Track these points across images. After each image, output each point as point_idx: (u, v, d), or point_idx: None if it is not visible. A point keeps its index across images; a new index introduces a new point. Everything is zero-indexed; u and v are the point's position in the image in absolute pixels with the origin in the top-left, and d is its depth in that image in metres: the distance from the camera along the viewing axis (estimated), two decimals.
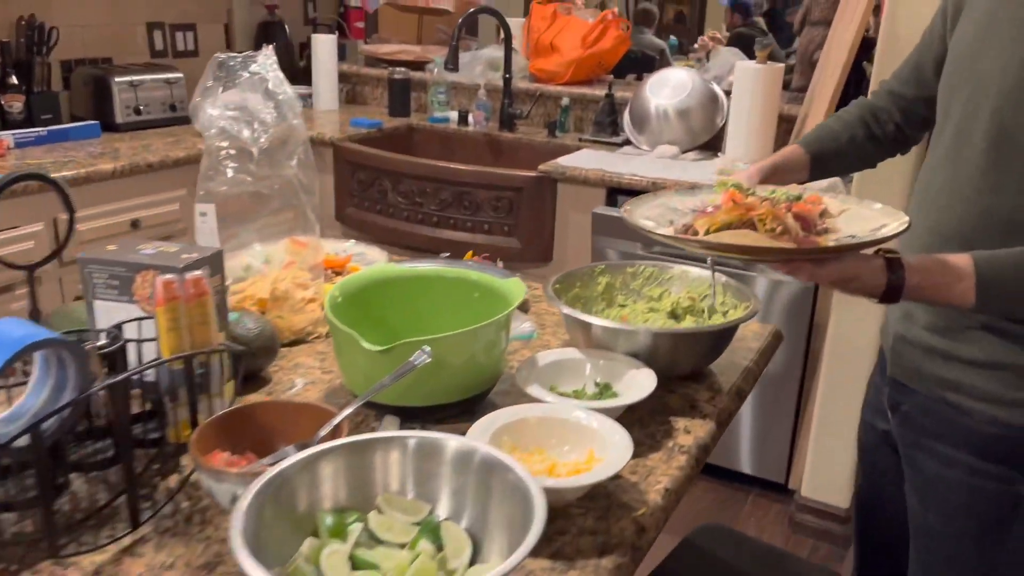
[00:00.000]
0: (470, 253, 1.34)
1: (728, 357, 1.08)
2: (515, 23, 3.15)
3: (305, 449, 0.68)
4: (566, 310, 1.01)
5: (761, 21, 6.70)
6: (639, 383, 0.92)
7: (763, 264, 1.08)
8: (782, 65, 2.31)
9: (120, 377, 0.64)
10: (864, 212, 0.96)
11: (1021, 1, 0.91)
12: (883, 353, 1.13)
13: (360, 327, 0.96)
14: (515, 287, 0.95)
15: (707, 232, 0.87)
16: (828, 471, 2.17)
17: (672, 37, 7.38)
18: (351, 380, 0.89)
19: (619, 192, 2.29)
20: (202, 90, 1.07)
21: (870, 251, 0.88)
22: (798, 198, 0.94)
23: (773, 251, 0.84)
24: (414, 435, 0.66)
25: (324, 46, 3.02)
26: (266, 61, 1.10)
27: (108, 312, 0.86)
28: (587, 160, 2.42)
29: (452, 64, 2.65)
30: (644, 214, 0.99)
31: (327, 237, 1.54)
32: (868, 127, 1.19)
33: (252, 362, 0.96)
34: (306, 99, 3.11)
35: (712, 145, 2.56)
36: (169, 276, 0.74)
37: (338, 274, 1.31)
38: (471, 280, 0.99)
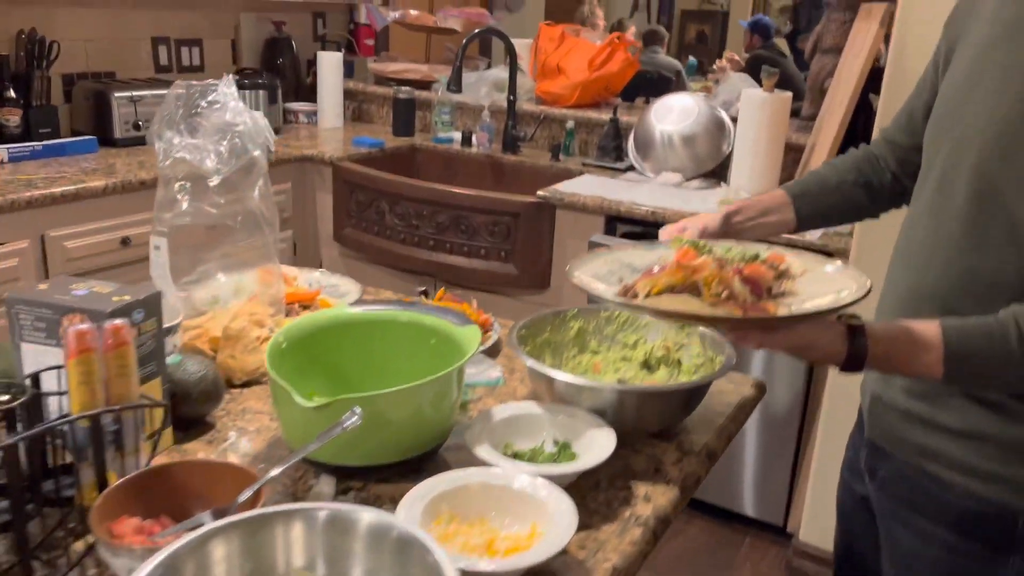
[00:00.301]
0: (441, 291, 1.29)
1: (704, 411, 1.02)
2: (524, 44, 3.12)
3: (221, 516, 0.63)
4: (529, 362, 0.95)
5: (782, 43, 6.64)
6: (599, 444, 0.86)
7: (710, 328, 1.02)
8: (789, 94, 2.25)
9: (9, 441, 0.60)
10: (829, 273, 0.90)
11: (1009, 45, 0.85)
12: (862, 412, 1.07)
13: (308, 374, 0.91)
14: (470, 336, 0.89)
15: (648, 294, 0.82)
16: (827, 517, 2.07)
17: (691, 58, 7.33)
18: (289, 434, 0.84)
19: (619, 220, 2.24)
20: (161, 118, 1.03)
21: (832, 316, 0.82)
22: (755, 257, 0.88)
23: (710, 320, 0.79)
24: (324, 507, 0.61)
25: (329, 63, 2.99)
26: (227, 90, 1.06)
27: (36, 356, 0.82)
28: (588, 186, 2.36)
29: (455, 85, 2.61)
30: (594, 270, 0.93)
31: (304, 266, 1.49)
32: (861, 173, 1.12)
33: (192, 409, 0.91)
34: (311, 116, 3.08)
35: (718, 173, 2.50)
36: (83, 327, 0.69)
37: (306, 308, 1.27)
38: (426, 326, 0.94)
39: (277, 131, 2.87)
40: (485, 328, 1.19)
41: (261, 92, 2.80)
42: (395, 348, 0.95)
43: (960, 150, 0.88)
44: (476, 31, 2.61)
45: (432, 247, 2.42)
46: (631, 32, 5.98)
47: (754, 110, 2.25)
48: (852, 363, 0.81)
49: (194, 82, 1.05)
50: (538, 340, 1.06)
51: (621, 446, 0.91)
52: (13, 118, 2.28)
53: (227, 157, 1.05)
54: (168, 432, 0.89)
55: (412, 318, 0.94)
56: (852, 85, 1.93)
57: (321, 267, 2.78)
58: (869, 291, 0.82)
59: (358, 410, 0.73)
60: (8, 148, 2.21)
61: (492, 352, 1.18)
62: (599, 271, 0.93)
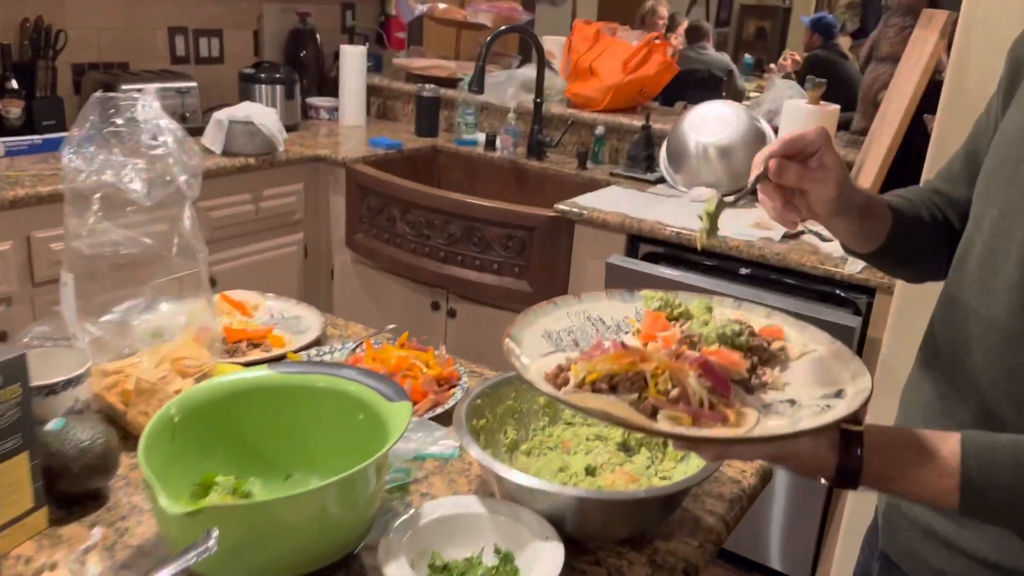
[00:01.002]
0: (405, 335, 1.14)
1: (691, 507, 0.85)
2: (558, 42, 2.94)
3: None
4: (475, 452, 0.79)
5: (846, 42, 6.31)
6: (546, 560, 0.71)
7: None
8: (836, 107, 2.04)
9: None
10: (828, 361, 0.72)
11: None
12: (877, 513, 0.89)
13: (211, 449, 0.77)
14: (399, 416, 0.74)
15: (582, 382, 0.65)
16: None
17: (747, 56, 7.04)
18: (166, 535, 0.70)
19: (641, 240, 2.06)
20: (75, 140, 0.90)
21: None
22: (738, 335, 0.71)
23: (644, 430, 0.62)
24: None
25: (352, 58, 2.86)
26: (147, 107, 0.92)
27: None
28: (611, 200, 2.19)
29: (477, 86, 2.45)
30: (549, 326, 0.77)
31: (270, 300, 1.36)
32: (938, 210, 0.90)
33: (73, 485, 0.78)
34: (332, 112, 2.96)
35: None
36: None
37: (256, 346, 1.13)
38: (350, 396, 0.79)
39: (295, 127, 2.76)
40: (450, 383, 1.03)
41: (278, 87, 2.68)
42: (317, 418, 0.80)
43: (1013, 217, 0.70)
44: (501, 29, 2.45)
45: (443, 259, 2.28)
46: (682, 28, 5.74)
47: (797, 124, 2.04)
48: (843, 479, 0.64)
49: (112, 94, 0.91)
50: (499, 409, 0.90)
51: (581, 553, 0.75)
52: (14, 110, 2.20)
53: (150, 180, 0.91)
54: (41, 513, 0.76)
55: (332, 384, 0.79)
56: (906, 100, 1.71)
57: (332, 275, 2.68)
58: (864, 403, 0.64)
59: (215, 534, 0.59)
60: (5, 142, 2.12)
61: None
62: (555, 328, 0.77)
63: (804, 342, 0.74)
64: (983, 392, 0.71)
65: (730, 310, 0.81)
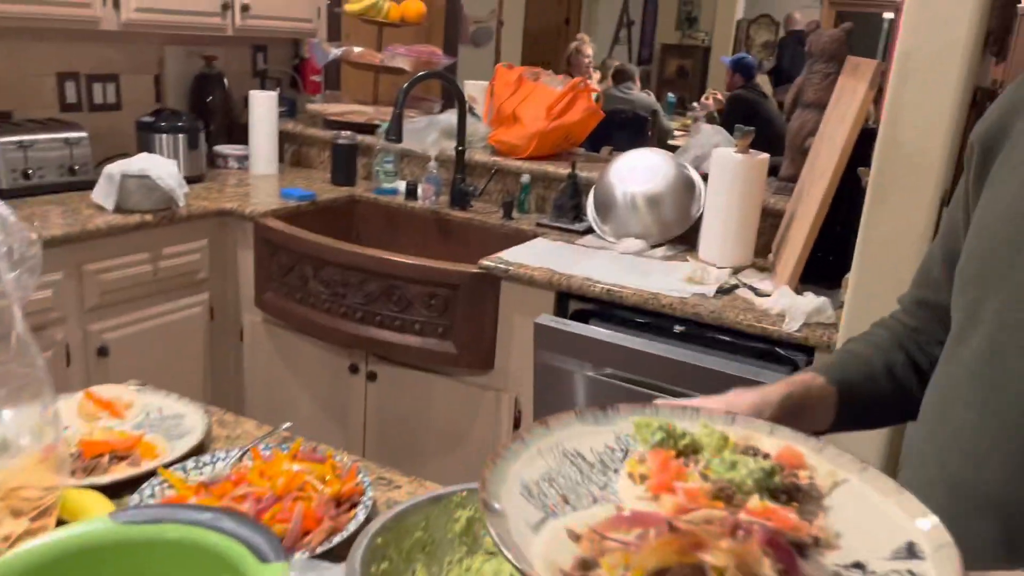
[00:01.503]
0: (299, 442, 0.99)
1: None
2: (479, 86, 2.85)
3: None
4: None
5: (765, 81, 6.44)
6: None
7: None
8: (765, 156, 1.98)
9: None
10: (871, 494, 0.60)
11: None
12: None
13: None
14: None
15: None
16: None
17: (670, 94, 7.13)
18: None
19: (570, 297, 1.95)
20: None
21: None
22: (770, 475, 0.58)
23: None
24: None
25: (262, 104, 2.71)
26: None
27: None
28: (538, 254, 2.08)
29: (395, 134, 2.32)
30: (524, 476, 0.62)
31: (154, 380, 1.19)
32: (908, 353, 0.84)
33: None
34: (242, 161, 2.79)
35: (687, 239, 2.22)
36: None
37: (123, 459, 0.96)
38: (212, 553, 0.63)
39: (200, 178, 2.58)
40: (352, 500, 0.89)
41: (180, 136, 2.50)
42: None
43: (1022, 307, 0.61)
44: (418, 75, 2.33)
45: (361, 319, 2.12)
46: (601, 73, 5.78)
47: (725, 173, 1.98)
48: None
49: None
50: (406, 545, 0.76)
51: None
52: None
53: None
54: None
55: (188, 538, 0.63)
56: (837, 151, 1.66)
57: (242, 336, 2.49)
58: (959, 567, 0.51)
59: None
60: None
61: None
62: (531, 476, 0.62)
63: (829, 468, 0.62)
64: (1002, 496, 0.61)
65: (722, 426, 0.68)
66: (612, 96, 5.19)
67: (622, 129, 4.97)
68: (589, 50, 5.92)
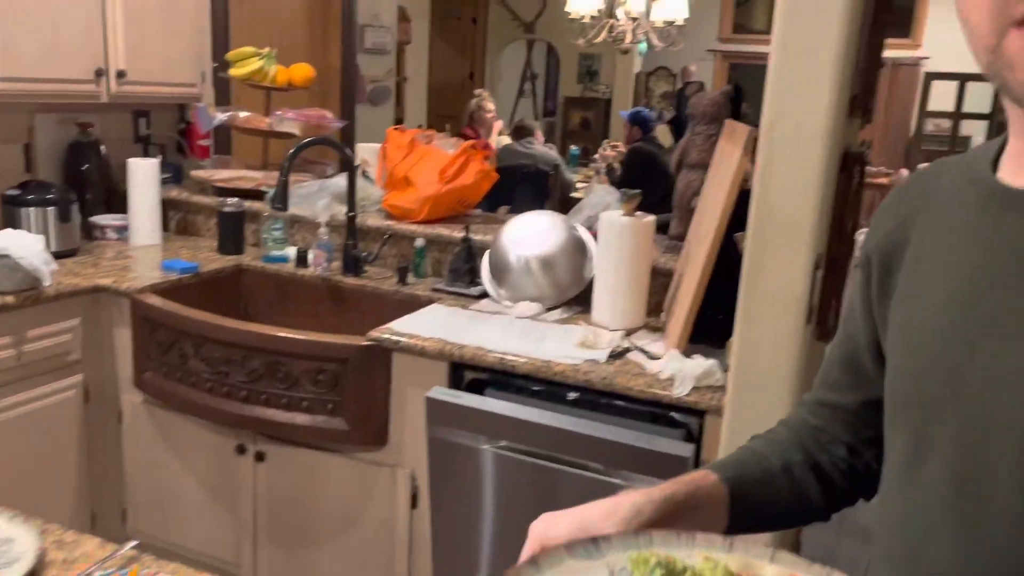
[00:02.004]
0: (135, 570, 0.90)
1: None
2: (372, 149, 2.81)
3: None
4: None
5: (666, 131, 6.63)
6: None
7: None
8: (652, 218, 2.00)
9: None
10: None
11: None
12: None
13: None
14: None
15: None
16: None
17: (573, 147, 7.27)
18: None
19: (463, 367, 1.90)
20: None
21: None
22: None
23: None
24: None
25: (143, 171, 2.59)
26: None
27: None
28: (432, 322, 2.03)
29: (280, 203, 2.25)
30: None
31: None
32: (809, 453, 0.82)
33: None
34: (122, 232, 2.65)
35: (582, 299, 2.21)
36: None
37: None
38: None
39: (73, 252, 2.44)
40: None
41: (50, 209, 2.36)
42: None
43: (988, 435, 0.59)
44: (304, 142, 2.27)
45: (245, 398, 2.02)
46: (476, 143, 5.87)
47: (613, 236, 1.98)
48: None
49: None
50: None
51: None
52: None
53: None
54: None
55: None
56: (717, 217, 1.68)
57: (121, 419, 2.33)
58: None
59: None
60: None
61: None
62: None
63: None
64: None
65: (721, 553, 0.64)
66: (514, 151, 5.24)
67: (525, 183, 5.01)
68: (490, 105, 6.01)
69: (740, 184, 1.71)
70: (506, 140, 6.27)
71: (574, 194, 5.21)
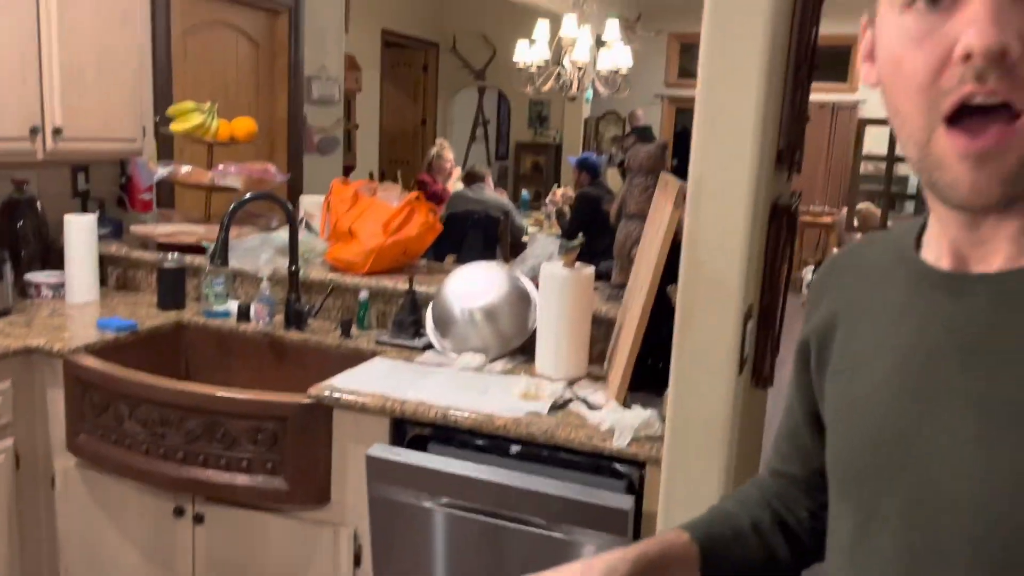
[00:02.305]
0: None
1: None
2: (316, 201, 2.81)
3: None
4: None
5: (615, 174, 6.74)
6: None
7: None
8: (591, 269, 2.02)
9: None
10: None
11: (973, 366, 0.60)
12: None
13: None
14: None
15: None
16: None
17: (524, 191, 7.35)
18: None
19: (406, 423, 1.88)
20: None
21: None
22: None
23: None
24: None
25: (80, 227, 2.55)
26: None
27: None
28: (374, 376, 2.01)
29: (220, 259, 2.24)
30: None
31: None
32: (776, 512, 0.85)
33: None
34: (58, 289, 2.60)
35: (527, 349, 2.21)
36: None
37: None
38: None
39: (6, 312, 2.38)
40: None
41: None
42: None
43: (936, 509, 0.60)
44: (245, 198, 2.27)
45: (183, 459, 1.97)
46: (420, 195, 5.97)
47: (554, 287, 2.00)
48: None
49: None
50: None
51: None
52: None
53: None
54: None
55: None
56: (651, 270, 1.71)
57: (54, 484, 2.26)
58: None
59: None
60: None
61: None
62: None
63: None
64: None
65: None
66: (465, 197, 5.28)
67: (475, 229, 5.05)
68: (449, 154, 6.13)
69: (673, 237, 1.74)
70: (458, 186, 6.34)
71: (525, 238, 5.26)
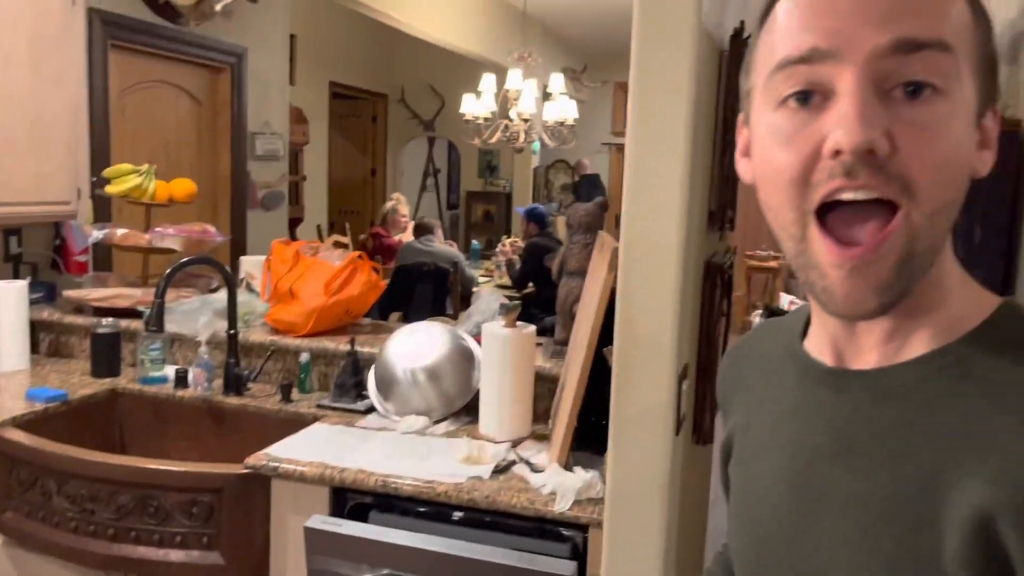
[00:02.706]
0: None
1: None
2: (257, 262, 2.78)
3: None
4: None
5: (559, 224, 6.81)
6: None
7: None
8: (532, 329, 2.03)
9: None
10: None
11: (854, 464, 0.61)
12: None
13: None
14: None
15: None
16: None
17: (475, 241, 7.38)
18: None
19: (346, 491, 1.85)
20: None
21: None
22: None
23: None
24: None
25: (9, 294, 2.48)
26: None
27: None
28: (314, 443, 1.97)
29: (156, 325, 2.19)
30: None
31: None
32: None
33: None
34: None
35: (471, 409, 2.20)
36: None
37: None
38: None
39: None
40: None
41: None
42: None
43: None
44: (181, 262, 2.23)
45: (113, 536, 1.90)
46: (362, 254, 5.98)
47: (495, 347, 2.00)
48: None
49: None
50: None
51: None
52: None
53: None
54: None
55: None
56: (589, 330, 1.72)
57: None
58: None
59: None
60: None
61: None
62: None
63: None
64: None
65: None
66: (414, 249, 5.28)
67: (424, 282, 5.04)
68: (405, 209, 6.17)
69: (608, 297, 1.76)
70: (409, 237, 6.34)
71: (476, 288, 5.26)
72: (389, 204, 6.37)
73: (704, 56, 1.55)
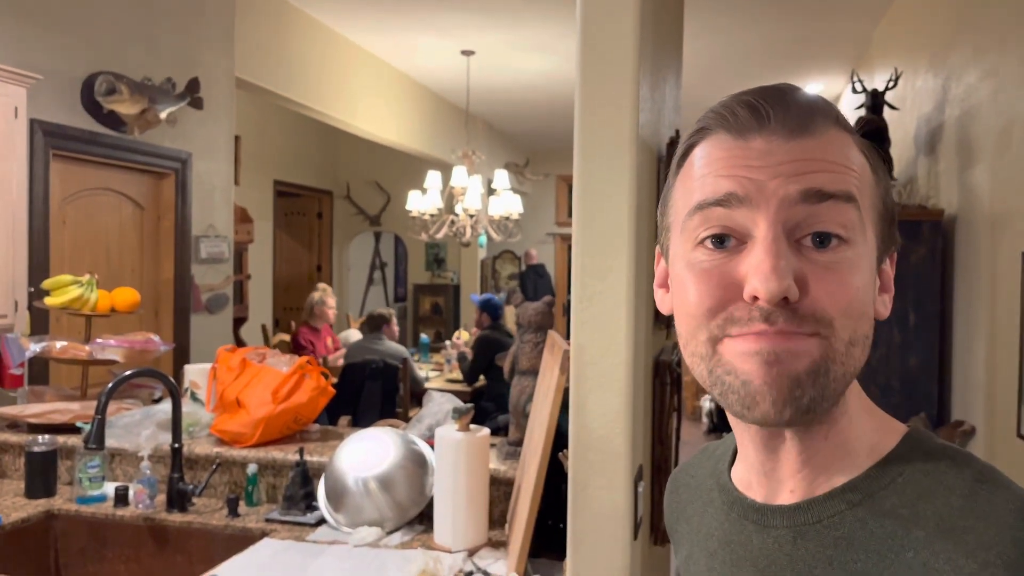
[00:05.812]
0: None
1: None
2: (202, 370, 2.72)
3: None
4: None
5: (512, 312, 6.84)
6: None
7: None
8: (486, 431, 2.01)
9: None
10: None
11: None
12: None
13: None
14: None
15: None
16: None
17: (424, 335, 7.34)
18: None
19: None
20: None
21: None
22: None
23: None
24: None
25: None
26: None
27: None
28: (259, 563, 1.90)
29: (95, 442, 2.10)
30: None
31: None
32: None
33: None
34: None
35: (425, 517, 2.15)
36: None
37: None
38: None
39: None
40: None
41: None
42: None
43: None
44: (122, 376, 2.17)
45: None
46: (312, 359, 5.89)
47: (448, 452, 1.97)
48: None
49: None
50: None
51: None
52: None
53: None
54: None
55: None
56: (544, 433, 1.72)
57: None
58: None
59: None
60: None
61: None
62: None
63: None
64: None
65: None
66: (362, 347, 5.24)
67: (373, 380, 4.99)
68: (332, 301, 6.01)
69: (561, 400, 1.77)
70: (357, 334, 6.27)
71: (427, 386, 5.22)
72: (316, 294, 5.86)
73: (643, 164, 1.61)
